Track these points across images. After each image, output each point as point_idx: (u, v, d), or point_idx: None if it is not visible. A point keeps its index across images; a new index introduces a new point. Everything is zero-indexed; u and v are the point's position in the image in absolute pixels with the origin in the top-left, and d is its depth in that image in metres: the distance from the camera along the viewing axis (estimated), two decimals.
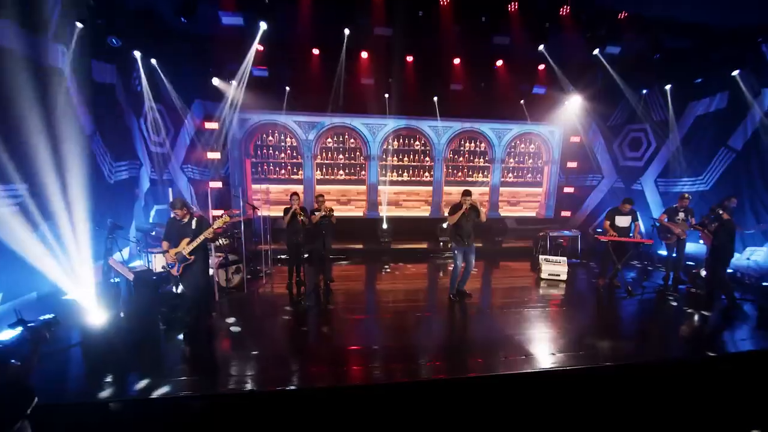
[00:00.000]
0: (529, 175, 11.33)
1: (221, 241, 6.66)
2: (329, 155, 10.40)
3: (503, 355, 4.37)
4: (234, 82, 9.39)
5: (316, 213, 6.44)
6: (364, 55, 9.63)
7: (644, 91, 9.61)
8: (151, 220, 8.31)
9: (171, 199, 6.13)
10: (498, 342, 4.73)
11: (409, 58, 9.87)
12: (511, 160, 11.18)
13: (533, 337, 4.87)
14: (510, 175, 11.24)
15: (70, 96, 5.97)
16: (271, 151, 10.22)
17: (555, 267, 7.28)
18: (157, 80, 8.72)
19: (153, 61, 8.07)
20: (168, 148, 9.18)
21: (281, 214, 6.38)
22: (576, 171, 11.30)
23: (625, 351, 4.59)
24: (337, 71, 9.71)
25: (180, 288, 5.10)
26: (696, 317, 5.67)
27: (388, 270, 8.18)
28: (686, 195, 7.13)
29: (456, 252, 5.93)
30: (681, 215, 7.20)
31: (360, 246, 9.58)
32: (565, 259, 7.33)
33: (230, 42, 8.79)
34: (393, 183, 10.74)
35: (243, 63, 9.18)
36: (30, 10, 5.27)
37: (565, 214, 11.37)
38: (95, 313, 4.23)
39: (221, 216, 4.72)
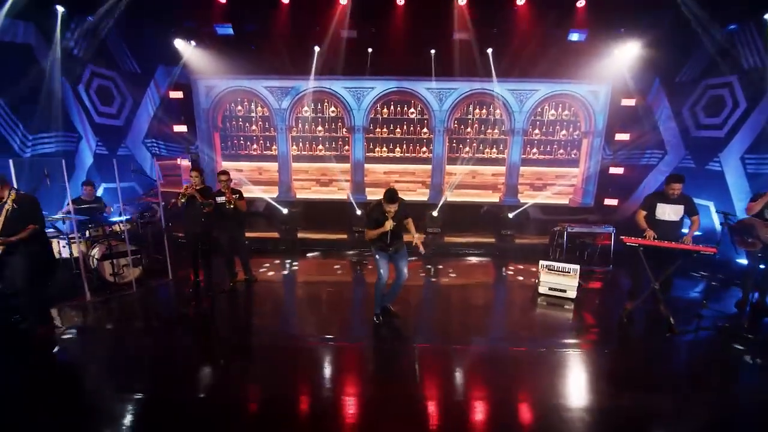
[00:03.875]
0: (561, 150, 8.77)
1: (119, 227, 5.48)
2: (306, 127, 8.83)
3: None
4: (193, 43, 8.15)
5: (218, 199, 4.97)
6: (343, 0, 7.80)
7: (731, 27, 6.61)
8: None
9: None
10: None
11: (400, 1, 7.84)
12: (536, 131, 8.69)
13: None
14: (534, 150, 8.78)
15: None
16: (240, 123, 8.91)
17: (560, 279, 5.09)
18: (109, 43, 7.75)
19: (89, 19, 7.01)
20: (124, 120, 8.27)
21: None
22: (628, 145, 8.51)
23: None
24: (311, 23, 8.05)
25: None
26: None
27: (340, 269, 6.53)
28: None
29: (378, 258, 4.10)
30: None
31: (334, 236, 8.02)
32: (576, 267, 5.08)
33: None
34: (382, 160, 8.90)
35: (205, 19, 7.92)
36: None
37: (610, 202, 8.70)
38: None
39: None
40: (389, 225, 3.76)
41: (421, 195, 9.00)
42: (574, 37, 7.79)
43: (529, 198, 8.84)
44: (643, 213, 4.61)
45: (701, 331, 4.36)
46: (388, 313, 4.43)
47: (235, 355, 3.77)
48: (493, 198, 8.95)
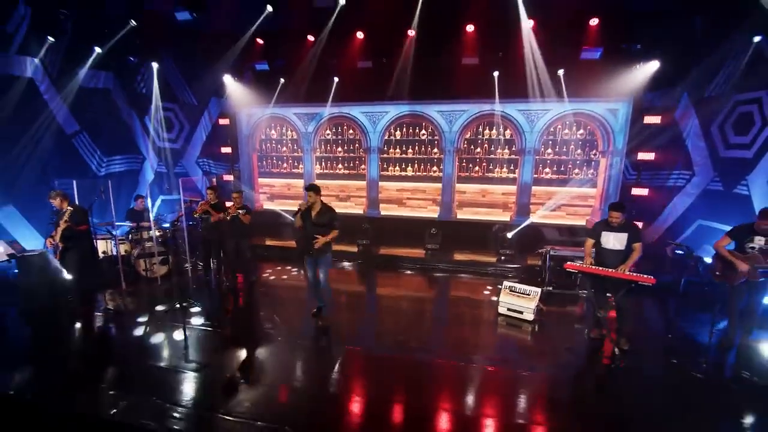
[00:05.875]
0: (576, 170, 8.49)
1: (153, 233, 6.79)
2: (328, 148, 9.75)
3: None
4: (232, 77, 9.57)
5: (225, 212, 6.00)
6: (360, 35, 8.62)
7: (757, 39, 6.04)
8: (155, 210, 9.15)
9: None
10: None
11: (411, 32, 8.42)
12: (549, 150, 8.54)
13: None
14: (547, 170, 8.62)
15: (44, 101, 6.89)
16: (273, 145, 10.16)
17: (519, 300, 5.16)
18: (171, 82, 9.52)
19: (154, 65, 8.73)
20: (182, 144, 9.98)
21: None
22: (652, 165, 7.95)
23: None
24: (331, 56, 8.96)
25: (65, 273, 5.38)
26: None
27: (336, 278, 7.16)
28: None
29: (305, 261, 4.83)
30: (760, 242, 4.31)
31: (342, 248, 8.73)
32: (537, 290, 5.11)
33: (235, 38, 8.99)
34: (395, 178, 9.44)
35: (245, 59, 9.28)
36: None
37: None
38: None
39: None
40: (300, 205, 4.54)
41: (431, 212, 9.34)
42: (588, 54, 7.61)
43: (543, 218, 8.67)
44: (591, 241, 4.58)
45: (651, 368, 4.17)
46: (324, 322, 4.95)
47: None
48: (504, 217, 8.94)
